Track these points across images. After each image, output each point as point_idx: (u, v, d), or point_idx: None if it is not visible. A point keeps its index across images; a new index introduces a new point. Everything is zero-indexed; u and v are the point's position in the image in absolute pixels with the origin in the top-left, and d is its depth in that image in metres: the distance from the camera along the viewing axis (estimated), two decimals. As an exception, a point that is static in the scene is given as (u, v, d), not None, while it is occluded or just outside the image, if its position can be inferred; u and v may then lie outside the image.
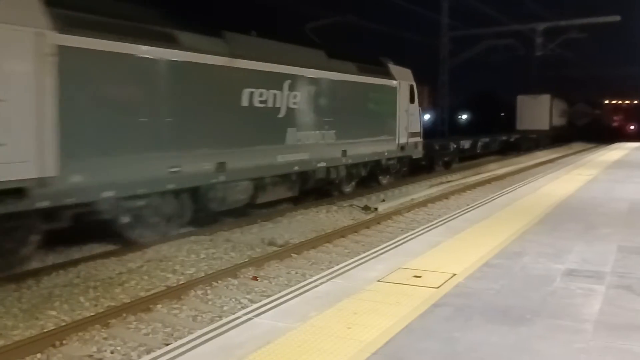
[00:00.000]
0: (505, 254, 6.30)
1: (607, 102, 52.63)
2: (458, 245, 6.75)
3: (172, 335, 6.40)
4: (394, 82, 17.70)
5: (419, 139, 19.60)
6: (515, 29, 38.09)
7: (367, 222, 12.66)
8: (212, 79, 10.76)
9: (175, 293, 7.60)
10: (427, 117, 47.90)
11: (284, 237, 11.10)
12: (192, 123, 10.35)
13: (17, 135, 7.59)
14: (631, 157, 22.72)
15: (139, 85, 9.44)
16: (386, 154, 17.40)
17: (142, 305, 7.15)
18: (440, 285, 5.09)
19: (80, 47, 8.39)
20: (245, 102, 11.56)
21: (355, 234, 11.61)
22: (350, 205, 14.81)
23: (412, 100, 18.74)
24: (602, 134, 44.75)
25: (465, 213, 9.06)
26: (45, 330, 6.39)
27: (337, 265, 6.10)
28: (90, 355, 5.91)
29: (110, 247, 9.82)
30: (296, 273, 8.83)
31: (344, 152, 15.16)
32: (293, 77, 12.95)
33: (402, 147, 18.25)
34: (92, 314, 6.88)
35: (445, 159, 24.78)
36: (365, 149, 16.14)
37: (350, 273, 5.55)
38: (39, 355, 5.86)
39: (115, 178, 8.91)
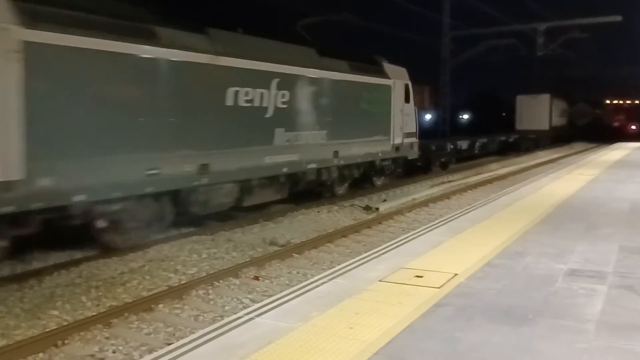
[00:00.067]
0: (507, 253, 6.30)
1: (608, 102, 52.57)
2: (460, 245, 6.74)
3: (174, 335, 6.41)
4: (389, 81, 17.24)
5: (414, 140, 19.12)
6: (516, 29, 38.05)
7: (369, 222, 12.66)
8: (193, 77, 10.27)
9: (177, 293, 7.61)
10: (428, 117, 47.96)
11: (286, 236, 11.10)
12: (172, 123, 9.86)
13: None
14: (632, 157, 22.70)
15: (113, 84, 8.91)
16: (380, 154, 16.90)
17: (144, 305, 7.16)
18: (442, 285, 5.09)
19: (49, 43, 7.89)
20: (229, 102, 11.06)
21: (357, 233, 11.61)
22: (352, 205, 14.81)
23: (407, 100, 18.27)
24: (603, 134, 44.67)
25: (466, 213, 9.06)
26: (47, 330, 6.39)
27: (339, 265, 6.10)
28: (92, 355, 5.91)
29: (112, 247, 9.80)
30: (298, 273, 8.84)
31: (336, 153, 14.64)
32: (281, 76, 12.43)
33: (396, 148, 17.78)
34: (94, 313, 6.89)
35: (442, 159, 24.31)
36: (358, 149, 15.65)
37: (351, 273, 5.55)
38: (41, 354, 5.86)
39: (87, 181, 8.40)
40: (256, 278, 8.51)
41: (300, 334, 3.99)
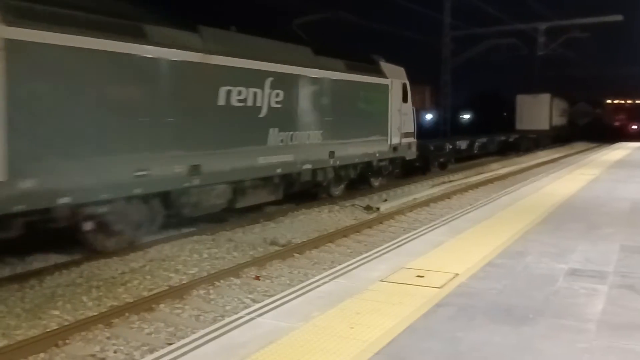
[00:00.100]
0: (508, 253, 6.30)
1: (609, 101, 52.55)
2: (461, 245, 6.74)
3: (175, 334, 6.41)
4: (386, 80, 16.97)
5: (412, 140, 18.83)
6: (517, 29, 38.10)
7: (370, 221, 12.66)
8: (184, 75, 10.01)
9: (177, 293, 7.61)
10: (429, 117, 47.97)
11: (287, 236, 11.10)
12: (162, 123, 9.58)
13: None
14: (633, 156, 22.68)
15: (99, 82, 8.61)
16: (377, 155, 16.64)
17: (145, 304, 7.16)
18: (443, 285, 5.09)
19: (33, 41, 7.64)
20: (221, 101, 10.78)
21: (358, 233, 11.61)
22: (353, 205, 14.81)
23: (405, 100, 18.02)
24: (604, 133, 44.62)
25: (467, 213, 9.06)
26: (48, 330, 6.39)
27: (340, 265, 6.10)
28: (94, 355, 5.92)
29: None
30: (298, 273, 8.84)
31: (332, 153, 14.37)
32: (275, 75, 12.13)
33: (394, 148, 17.49)
34: (95, 313, 6.89)
35: (441, 160, 23.99)
36: (354, 149, 15.38)
37: (352, 273, 5.55)
38: (42, 354, 5.86)
39: (72, 183, 8.16)
40: (257, 278, 8.51)
41: (301, 334, 3.99)
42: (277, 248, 10.22)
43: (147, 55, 9.28)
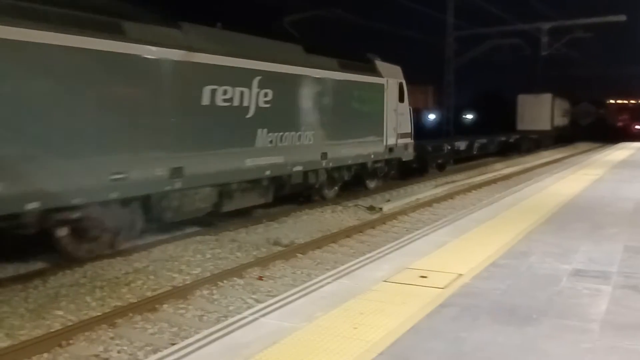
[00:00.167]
0: (511, 253, 6.29)
1: (612, 101, 52.43)
2: (464, 245, 6.74)
3: (179, 335, 6.42)
4: (381, 79, 16.50)
5: (409, 140, 18.35)
6: (520, 29, 38.04)
7: (373, 222, 12.66)
8: (164, 74, 9.55)
9: (181, 293, 7.62)
10: (432, 117, 47.93)
11: (290, 237, 11.10)
12: (140, 123, 9.15)
13: None
14: (637, 157, 22.65)
15: (72, 81, 8.16)
16: (372, 156, 16.19)
17: (149, 305, 7.17)
18: (447, 286, 5.08)
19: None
20: (206, 101, 10.31)
21: (361, 234, 11.61)
22: (356, 205, 14.80)
23: (401, 99, 17.55)
24: (607, 134, 44.47)
25: (471, 213, 9.05)
26: (52, 330, 6.41)
27: (343, 265, 6.10)
28: (97, 355, 5.93)
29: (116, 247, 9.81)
30: (302, 273, 8.84)
31: (324, 155, 13.92)
32: (264, 74, 11.65)
33: (390, 149, 17.00)
34: (99, 313, 6.91)
35: (439, 161, 23.45)
36: (348, 151, 14.92)
37: (356, 273, 5.55)
38: (45, 355, 5.87)
39: (42, 187, 7.70)
40: (260, 278, 8.51)
41: (305, 334, 3.99)
42: (280, 248, 10.23)
43: (124, 52, 8.82)
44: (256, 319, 4.31)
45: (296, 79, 12.93)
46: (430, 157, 22.36)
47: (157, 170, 9.43)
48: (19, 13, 7.56)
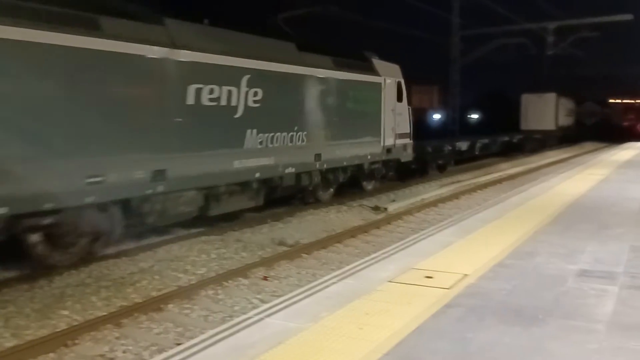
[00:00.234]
0: (517, 254, 6.27)
1: (618, 101, 52.22)
2: (470, 245, 6.72)
3: (184, 335, 6.42)
4: (378, 78, 16.01)
5: (408, 141, 17.85)
6: (526, 28, 37.96)
7: (378, 222, 12.65)
8: (145, 72, 9.14)
9: (186, 293, 7.63)
10: (437, 116, 47.89)
11: (294, 237, 11.11)
12: (118, 124, 8.70)
13: None
14: (643, 156, 22.56)
15: (44, 79, 7.74)
16: (369, 157, 15.67)
17: (154, 305, 7.18)
18: (452, 286, 5.07)
19: None
20: (190, 100, 9.86)
21: (366, 234, 11.61)
22: (360, 206, 14.80)
23: (400, 99, 17.08)
24: (613, 133, 44.26)
25: (476, 213, 9.03)
26: (57, 330, 6.42)
27: (348, 265, 6.09)
28: (103, 355, 5.94)
29: (121, 247, 9.84)
30: (307, 273, 8.84)
31: (318, 156, 13.46)
32: (253, 72, 11.19)
33: (388, 150, 16.51)
34: (104, 313, 6.92)
35: (440, 161, 22.86)
36: (343, 152, 14.43)
37: (361, 273, 5.54)
38: (51, 354, 5.89)
39: (9, 191, 7.30)
40: (265, 278, 8.51)
41: (310, 335, 3.98)
42: (285, 248, 10.23)
43: (100, 49, 8.36)
44: (261, 319, 4.31)
45: (288, 78, 12.49)
46: (430, 158, 21.87)
47: (137, 172, 8.98)
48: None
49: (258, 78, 11.37)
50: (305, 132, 12.96)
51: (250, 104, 11.22)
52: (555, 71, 46.59)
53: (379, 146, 16.19)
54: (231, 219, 12.05)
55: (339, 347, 3.76)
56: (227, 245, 10.39)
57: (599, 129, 47.29)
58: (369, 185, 16.78)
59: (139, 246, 9.85)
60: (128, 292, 7.79)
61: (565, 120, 42.64)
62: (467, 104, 51.38)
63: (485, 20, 38.25)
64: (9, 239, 7.82)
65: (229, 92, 10.71)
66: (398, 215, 13.42)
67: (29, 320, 6.78)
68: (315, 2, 21.36)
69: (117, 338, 6.32)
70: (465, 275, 5.41)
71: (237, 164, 10.99)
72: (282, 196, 13.31)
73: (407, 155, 18.09)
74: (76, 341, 6.13)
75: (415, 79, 17.93)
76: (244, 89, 11.04)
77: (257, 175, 11.58)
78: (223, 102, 10.60)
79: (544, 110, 39.09)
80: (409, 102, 18.19)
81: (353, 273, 5.54)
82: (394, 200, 15.64)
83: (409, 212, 13.86)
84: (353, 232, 11.50)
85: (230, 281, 8.24)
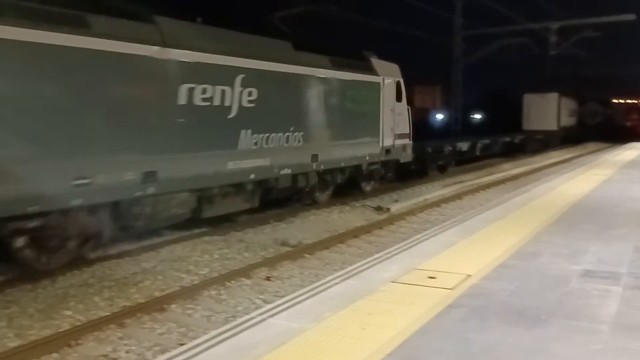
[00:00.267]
0: (520, 254, 6.26)
1: (621, 101, 52.11)
2: (473, 245, 6.71)
3: (187, 335, 6.43)
4: (377, 78, 15.77)
5: (407, 141, 17.61)
6: (529, 28, 37.92)
7: (380, 222, 12.65)
8: (134, 71, 8.92)
9: (189, 293, 7.64)
10: (440, 117, 47.86)
11: (297, 237, 11.11)
12: (107, 125, 8.49)
13: None
14: (647, 156, 22.52)
15: (24, 78, 7.52)
16: (367, 158, 15.40)
17: (157, 305, 7.19)
18: (455, 286, 5.06)
19: None
20: (182, 100, 9.64)
21: (368, 234, 11.61)
22: (363, 206, 14.80)
23: (399, 99, 16.83)
24: (616, 134, 44.11)
25: (479, 213, 9.02)
26: (60, 330, 6.44)
27: (351, 265, 6.09)
28: (106, 355, 5.95)
29: (124, 247, 9.85)
30: (309, 273, 8.84)
31: (315, 157, 13.23)
32: (248, 71, 10.98)
33: (387, 150, 16.28)
34: (107, 313, 6.93)
35: (440, 162, 22.57)
36: (341, 152, 14.19)
37: (364, 274, 5.54)
38: (54, 355, 5.90)
39: None
40: (268, 279, 8.52)
41: (313, 335, 3.98)
42: (287, 249, 10.23)
43: (87, 47, 8.14)
44: (264, 319, 4.31)
45: (284, 77, 12.22)
46: (430, 159, 21.61)
47: (127, 174, 8.75)
48: None
49: (253, 78, 11.17)
50: (301, 133, 12.76)
51: (245, 104, 11.04)
52: (558, 71, 46.55)
53: (378, 147, 15.97)
54: (234, 220, 12.06)
55: (342, 348, 3.76)
56: (230, 245, 10.39)
57: (601, 129, 47.12)
58: (367, 187, 16.57)
59: (141, 246, 9.86)
60: (131, 293, 7.80)
61: (567, 121, 42.45)
62: (470, 104, 51.27)
63: (488, 20, 38.26)
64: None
65: (223, 91, 10.52)
66: (401, 216, 13.41)
67: (33, 320, 6.80)
68: (316, 1, 21.24)
69: (120, 338, 6.33)
70: (469, 275, 5.40)
71: (231, 165, 10.79)
72: (278, 198, 13.09)
73: (407, 156, 17.90)
74: (79, 341, 6.14)
75: (418, 79, 17.85)
76: (238, 88, 10.86)
77: (252, 176, 11.38)
78: (216, 102, 10.40)
79: (546, 111, 38.84)
80: (412, 102, 18.07)
81: (356, 273, 5.54)
82: (396, 201, 15.64)
83: (411, 212, 13.86)
84: (356, 233, 11.50)
85: (233, 281, 8.25)
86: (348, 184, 15.70)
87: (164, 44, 9.41)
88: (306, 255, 9.76)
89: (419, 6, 31.40)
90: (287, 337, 3.93)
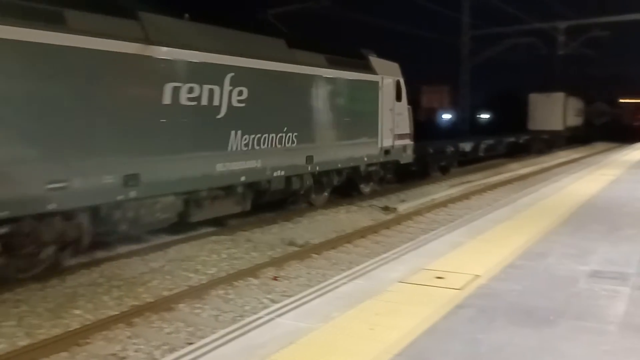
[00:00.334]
0: (528, 254, 6.25)
1: (628, 101, 51.80)
2: (481, 246, 6.71)
3: (195, 334, 6.45)
4: (376, 77, 15.29)
5: (408, 142, 17.10)
6: (537, 28, 37.80)
7: (387, 222, 12.64)
8: (114, 69, 8.48)
9: (197, 293, 7.67)
10: (447, 116, 47.76)
11: (304, 237, 11.12)
12: (84, 125, 8.07)
13: None
14: (655, 156, 22.40)
15: None
16: (366, 159, 14.95)
17: (165, 304, 7.22)
18: (463, 287, 5.06)
19: None
20: (167, 100, 9.25)
21: (376, 234, 11.61)
22: (370, 206, 14.79)
23: (399, 98, 16.36)
24: (623, 134, 43.76)
25: (487, 213, 9.01)
26: (70, 329, 6.47)
27: (358, 265, 6.10)
28: (115, 354, 5.98)
29: (133, 247, 9.89)
30: (317, 273, 8.86)
31: (310, 159, 12.78)
32: (237, 70, 10.56)
33: (386, 151, 15.78)
34: (116, 313, 6.96)
35: (442, 163, 21.99)
36: (337, 154, 13.73)
37: (371, 274, 5.55)
38: (64, 353, 5.93)
39: None
40: (275, 278, 8.53)
41: (321, 335, 3.99)
42: (295, 248, 10.25)
43: (64, 44, 7.78)
44: (272, 319, 4.33)
45: (277, 76, 11.75)
46: (431, 160, 21.06)
47: (106, 177, 8.36)
48: None
49: (243, 76, 10.75)
50: (295, 133, 12.29)
51: (235, 103, 10.62)
52: (566, 71, 46.33)
53: (376, 147, 15.50)
54: (241, 219, 12.08)
55: (350, 348, 3.77)
56: (238, 245, 10.42)
57: (609, 129, 46.77)
58: (366, 188, 16.13)
59: (149, 246, 9.90)
60: (139, 292, 7.83)
61: (573, 121, 41.97)
62: (478, 104, 51.16)
63: (496, 20, 38.18)
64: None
65: (211, 91, 10.10)
66: (408, 216, 13.40)
67: (42, 319, 6.83)
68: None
69: (128, 337, 6.36)
70: (477, 276, 5.40)
71: (220, 167, 10.40)
72: (271, 201, 12.71)
73: (407, 157, 17.38)
74: (88, 340, 6.17)
75: (426, 79, 17.79)
76: (227, 87, 10.43)
77: (243, 178, 10.97)
78: (204, 102, 10.00)
79: (551, 110, 38.32)
80: (419, 102, 17.94)
81: (363, 273, 5.55)
82: (403, 201, 15.62)
83: (419, 212, 13.84)
84: (363, 233, 11.50)
85: (240, 281, 8.27)
86: (346, 186, 15.39)
87: (148, 40, 9.04)
88: (313, 255, 9.77)
89: (426, 6, 31.41)
90: (295, 337, 3.94)
